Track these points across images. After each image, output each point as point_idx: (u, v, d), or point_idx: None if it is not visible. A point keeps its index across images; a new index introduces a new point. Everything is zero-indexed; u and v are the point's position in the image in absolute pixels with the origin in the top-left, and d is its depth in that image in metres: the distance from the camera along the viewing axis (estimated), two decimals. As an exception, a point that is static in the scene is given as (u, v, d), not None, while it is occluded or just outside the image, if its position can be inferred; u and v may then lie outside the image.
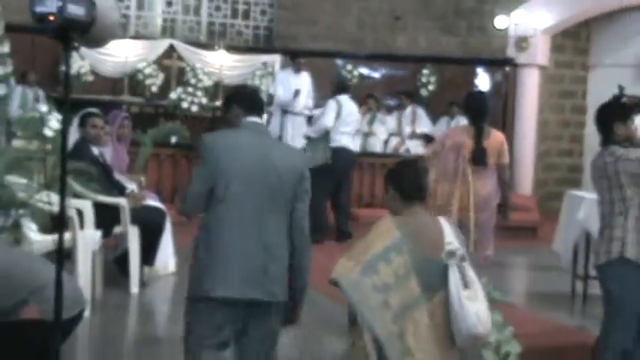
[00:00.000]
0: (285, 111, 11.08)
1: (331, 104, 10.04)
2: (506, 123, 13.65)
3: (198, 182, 4.15)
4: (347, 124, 10.07)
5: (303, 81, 11.23)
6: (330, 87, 10.60)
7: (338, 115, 9.96)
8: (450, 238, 3.79)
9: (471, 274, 3.71)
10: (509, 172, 7.02)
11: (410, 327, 3.64)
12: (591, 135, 13.43)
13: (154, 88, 13.16)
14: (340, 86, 10.48)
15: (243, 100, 4.48)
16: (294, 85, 11.09)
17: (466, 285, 3.66)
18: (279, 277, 4.13)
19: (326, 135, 9.94)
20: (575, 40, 14.11)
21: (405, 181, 3.87)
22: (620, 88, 8.87)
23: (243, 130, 4.37)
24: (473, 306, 3.64)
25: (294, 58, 11.44)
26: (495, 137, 6.66)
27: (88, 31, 3.89)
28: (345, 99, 10.17)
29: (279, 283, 4.12)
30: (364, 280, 3.62)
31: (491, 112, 7.13)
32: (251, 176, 4.17)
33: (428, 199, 3.94)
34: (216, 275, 4.02)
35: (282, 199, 4.18)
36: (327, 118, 9.95)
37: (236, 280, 4.02)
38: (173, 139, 11.72)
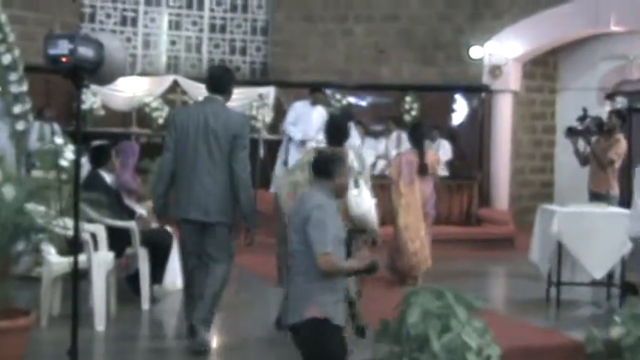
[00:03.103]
0: (290, 138, 10.95)
1: None
2: (483, 143, 13.68)
3: (168, 143, 5.65)
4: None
5: (319, 114, 10.99)
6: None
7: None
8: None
9: (361, 182, 5.57)
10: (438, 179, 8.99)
11: None
12: (560, 153, 13.55)
13: (160, 120, 13.08)
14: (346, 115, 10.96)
15: (207, 80, 5.77)
16: (309, 116, 10.97)
17: (355, 186, 5.49)
18: (213, 205, 5.50)
19: None
20: (543, 67, 14.15)
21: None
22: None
23: (200, 103, 5.91)
24: (354, 198, 5.47)
25: (313, 92, 11.28)
26: (431, 156, 8.59)
27: (97, 71, 3.91)
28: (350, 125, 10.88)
29: (213, 209, 5.50)
30: (285, 178, 5.78)
31: (428, 137, 9.12)
32: (195, 136, 5.49)
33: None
34: (180, 204, 5.65)
35: (218, 153, 5.47)
36: None
37: (185, 207, 5.59)
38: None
